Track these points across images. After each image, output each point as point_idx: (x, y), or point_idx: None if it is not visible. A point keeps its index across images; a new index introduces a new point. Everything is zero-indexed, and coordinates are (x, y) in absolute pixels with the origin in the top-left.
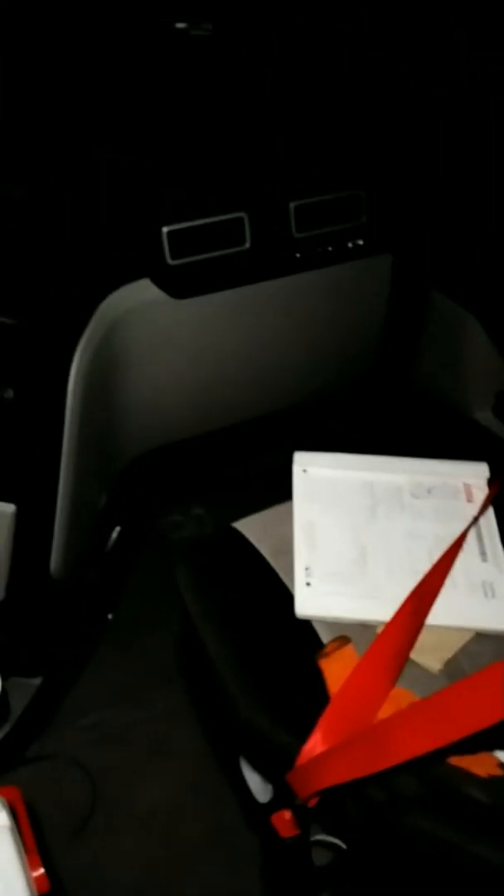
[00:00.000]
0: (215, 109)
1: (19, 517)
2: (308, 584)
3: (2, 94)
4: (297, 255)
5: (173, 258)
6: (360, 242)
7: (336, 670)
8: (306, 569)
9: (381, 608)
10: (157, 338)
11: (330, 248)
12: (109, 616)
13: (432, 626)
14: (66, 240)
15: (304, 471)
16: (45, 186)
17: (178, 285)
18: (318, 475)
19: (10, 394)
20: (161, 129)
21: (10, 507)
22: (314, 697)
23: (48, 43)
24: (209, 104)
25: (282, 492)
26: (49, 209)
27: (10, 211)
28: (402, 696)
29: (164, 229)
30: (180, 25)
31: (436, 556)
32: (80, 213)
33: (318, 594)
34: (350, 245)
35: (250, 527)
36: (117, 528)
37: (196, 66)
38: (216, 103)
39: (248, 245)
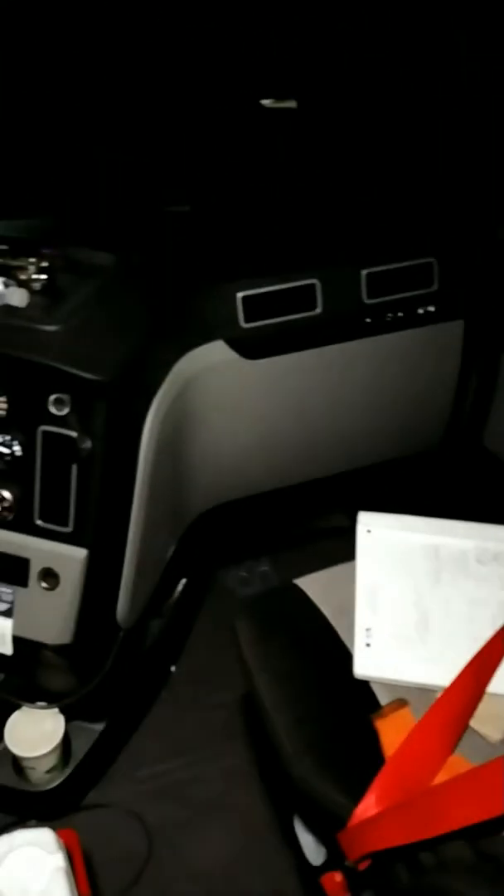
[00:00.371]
0: (290, 178)
1: (90, 563)
2: (368, 644)
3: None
4: (368, 320)
5: (247, 321)
6: (432, 309)
7: (392, 732)
8: (367, 630)
9: (440, 673)
10: (228, 397)
11: (401, 314)
12: (172, 668)
13: (494, 695)
14: (158, 303)
15: (369, 531)
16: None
17: (251, 347)
18: (382, 536)
19: (88, 445)
20: (237, 198)
21: (82, 552)
22: (369, 758)
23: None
24: (284, 173)
25: (347, 551)
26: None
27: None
28: (459, 763)
29: (239, 294)
30: (266, 102)
31: (499, 623)
32: (171, 281)
33: (378, 656)
34: (421, 311)
35: (313, 584)
36: (183, 580)
37: (277, 138)
38: (291, 172)
39: (319, 310)
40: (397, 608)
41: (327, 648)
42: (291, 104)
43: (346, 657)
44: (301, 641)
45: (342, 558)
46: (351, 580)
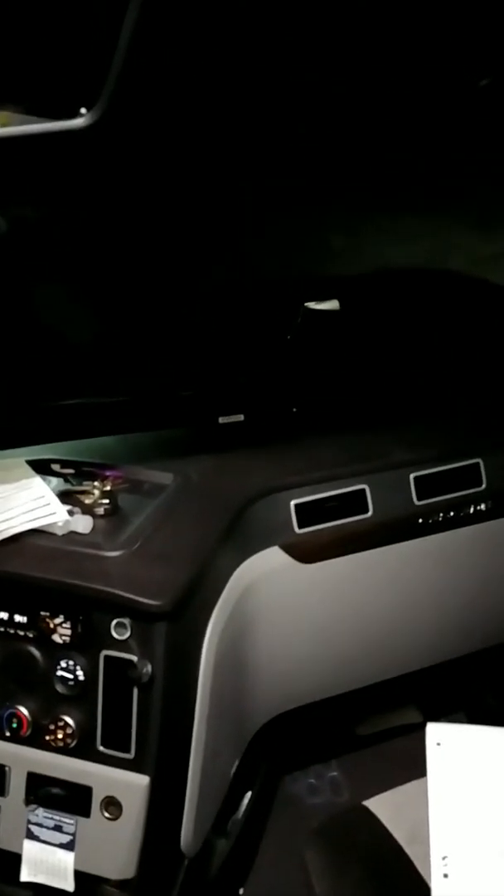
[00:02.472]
0: (337, 385)
1: (153, 790)
2: (446, 875)
3: None
4: (420, 521)
5: (300, 527)
6: (482, 507)
7: None
8: (443, 858)
9: None
10: (286, 602)
11: (452, 514)
12: (241, 891)
13: None
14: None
15: (439, 744)
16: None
17: (306, 552)
18: (453, 750)
19: (148, 669)
20: (287, 407)
21: (144, 780)
22: None
23: None
24: (332, 381)
25: (421, 751)
26: None
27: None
28: None
29: (292, 502)
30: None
31: None
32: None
33: (458, 887)
34: (472, 510)
35: (383, 806)
36: (249, 794)
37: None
38: (337, 382)
39: (370, 514)
40: (477, 834)
41: (402, 878)
42: (334, 306)
43: (423, 889)
44: (373, 874)
45: (416, 759)
46: (424, 800)
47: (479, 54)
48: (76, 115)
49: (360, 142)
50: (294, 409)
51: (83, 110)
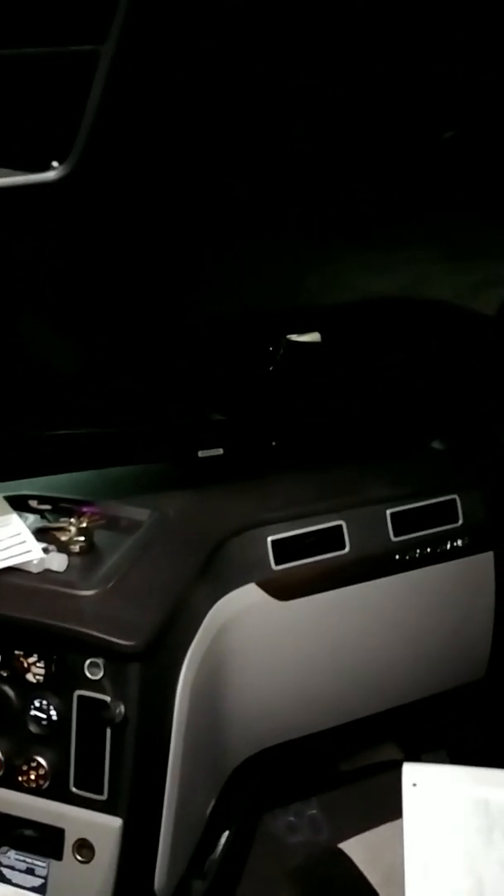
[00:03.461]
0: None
1: (126, 832)
2: None
3: None
4: (397, 557)
5: (277, 564)
6: (459, 543)
7: None
8: None
9: None
10: (262, 639)
11: (429, 550)
12: None
13: None
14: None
15: (414, 784)
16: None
17: (282, 588)
18: (429, 791)
19: (121, 709)
20: (265, 442)
21: (117, 822)
22: None
23: None
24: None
25: (398, 795)
26: None
27: None
28: None
29: (269, 538)
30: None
31: None
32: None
33: None
34: (448, 546)
35: (358, 848)
36: (226, 833)
37: (302, 372)
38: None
39: (347, 550)
40: (449, 874)
41: None
42: (315, 338)
43: None
44: None
45: (396, 796)
46: (399, 841)
47: (442, 110)
48: (48, 167)
49: (334, 180)
50: (273, 443)
51: (55, 164)
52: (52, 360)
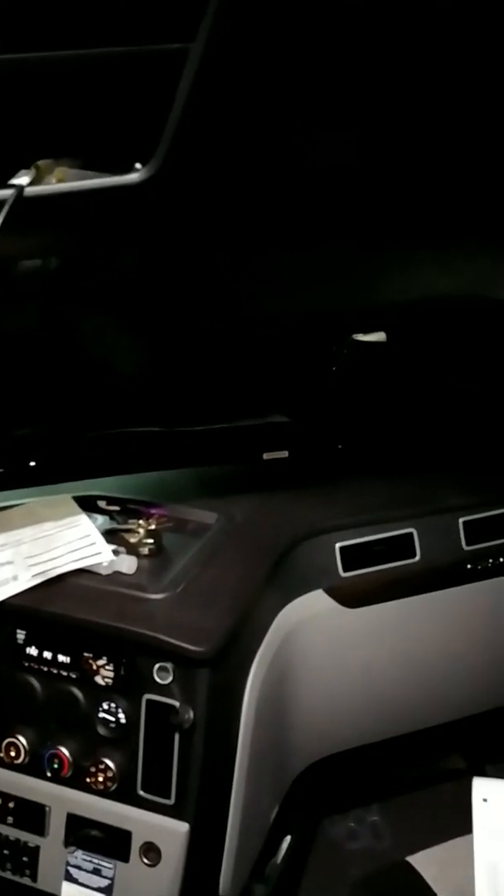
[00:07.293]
0: (384, 423)
1: (192, 837)
2: None
3: None
4: (468, 566)
5: (345, 571)
6: None
7: None
8: None
9: None
10: (330, 646)
11: (501, 560)
12: None
13: None
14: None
15: (485, 800)
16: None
17: (351, 596)
18: (500, 806)
19: (190, 715)
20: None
21: (184, 826)
22: None
23: None
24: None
25: (463, 798)
26: None
27: None
28: None
29: (337, 545)
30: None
31: None
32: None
33: None
34: None
35: (427, 863)
36: (288, 837)
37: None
38: (384, 418)
39: (418, 558)
40: None
41: None
42: (380, 337)
43: None
44: None
45: (459, 806)
46: (469, 857)
47: None
48: (131, 170)
49: (401, 180)
50: (339, 446)
51: (138, 165)
52: (118, 360)
